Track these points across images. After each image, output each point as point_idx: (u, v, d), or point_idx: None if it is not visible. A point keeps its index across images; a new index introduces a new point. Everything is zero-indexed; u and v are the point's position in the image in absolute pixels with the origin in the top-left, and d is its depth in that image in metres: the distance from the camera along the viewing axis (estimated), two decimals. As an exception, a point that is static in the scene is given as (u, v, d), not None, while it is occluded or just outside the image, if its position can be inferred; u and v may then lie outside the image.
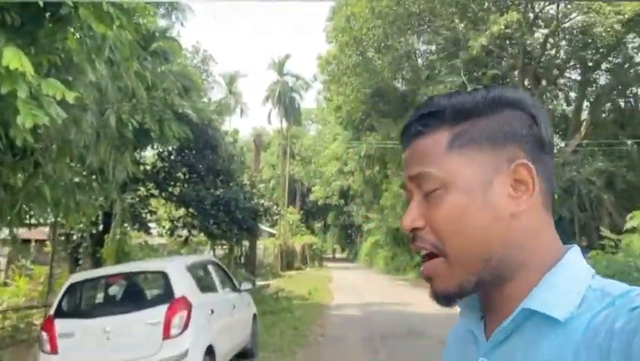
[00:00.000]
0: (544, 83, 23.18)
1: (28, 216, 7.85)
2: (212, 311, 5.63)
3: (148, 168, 14.44)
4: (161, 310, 4.99)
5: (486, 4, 21.03)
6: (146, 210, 14.92)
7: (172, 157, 14.99)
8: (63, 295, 5.18)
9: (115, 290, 5.67)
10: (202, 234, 15.91)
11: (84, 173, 10.02)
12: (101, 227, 12.69)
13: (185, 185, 15.00)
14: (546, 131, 0.74)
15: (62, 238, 14.22)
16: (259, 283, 21.57)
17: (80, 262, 12.84)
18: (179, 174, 15.34)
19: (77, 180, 6.84)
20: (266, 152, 41.59)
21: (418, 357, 7.66)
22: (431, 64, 24.41)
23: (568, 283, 0.68)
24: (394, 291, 19.12)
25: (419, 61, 25.47)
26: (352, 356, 7.75)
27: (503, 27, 17.60)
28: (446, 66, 22.27)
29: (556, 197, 11.99)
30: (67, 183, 6.81)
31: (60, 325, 4.96)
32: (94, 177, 8.59)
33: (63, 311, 5.09)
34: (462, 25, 20.59)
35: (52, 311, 5.11)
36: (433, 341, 8.45)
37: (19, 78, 3.54)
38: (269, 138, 46.21)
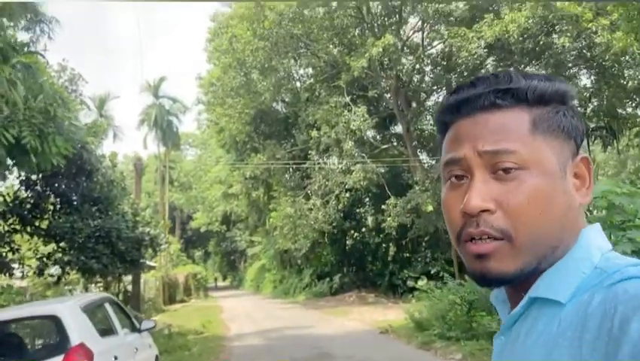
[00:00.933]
0: (414, 105, 24.73)
1: None
2: (115, 358, 4.76)
3: (9, 199, 12.51)
4: (55, 362, 4.07)
5: (362, 28, 21.99)
6: (7, 249, 12.87)
7: (39, 185, 13.19)
8: None
9: None
10: (75, 271, 14.12)
11: None
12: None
13: (55, 217, 13.25)
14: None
15: None
16: (146, 316, 19.84)
17: None
18: (48, 205, 13.53)
19: None
20: (142, 178, 39.11)
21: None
22: (309, 86, 24.83)
23: (573, 266, 0.70)
24: (290, 314, 18.69)
25: (297, 84, 25.82)
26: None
27: (381, 49, 18.39)
28: (325, 88, 22.78)
29: (432, 209, 12.45)
30: None
31: None
32: None
33: None
34: (338, 48, 21.29)
35: None
36: (350, 362, 8.18)
37: None
38: (144, 163, 43.56)
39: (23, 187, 13.17)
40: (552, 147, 0.71)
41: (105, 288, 19.98)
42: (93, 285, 20.14)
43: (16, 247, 13.29)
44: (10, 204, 12.27)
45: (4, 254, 12.38)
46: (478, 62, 19.72)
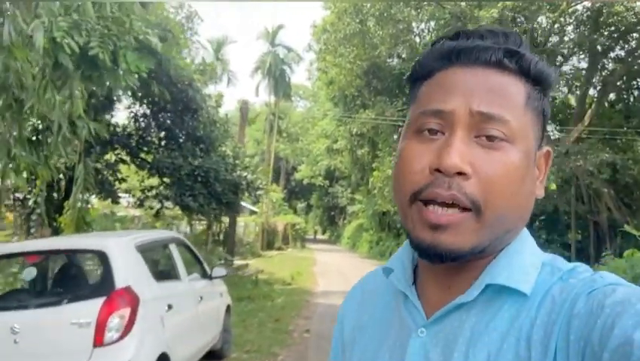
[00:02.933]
0: (548, 68, 21.96)
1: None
2: (169, 307, 4.21)
3: (119, 130, 12.83)
4: (94, 305, 3.56)
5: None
6: (114, 178, 13.34)
7: (146, 119, 13.38)
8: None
9: (31, 274, 4.16)
10: (176, 207, 14.38)
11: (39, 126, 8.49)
12: (57, 193, 11.14)
13: (160, 151, 13.42)
14: None
15: (18, 202, 12.69)
16: (237, 262, 20.22)
17: (33, 230, 11.25)
18: (154, 139, 13.75)
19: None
20: (251, 126, 39.92)
21: None
22: (429, 42, 22.95)
23: (528, 257, 0.68)
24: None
25: (417, 39, 24.08)
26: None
27: (519, 2, 16.21)
28: (447, 44, 20.81)
29: (554, 187, 10.79)
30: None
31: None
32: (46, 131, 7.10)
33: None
34: (467, 2, 19.22)
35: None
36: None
37: None
38: (255, 112, 44.46)
39: (132, 120, 13.46)
40: (532, 126, 0.68)
41: (207, 227, 20.58)
42: (197, 222, 20.70)
43: (122, 176, 13.76)
44: (119, 135, 12.55)
45: (111, 182, 12.79)
46: (635, 19, 16.69)
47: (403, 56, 24.98)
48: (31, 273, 4.08)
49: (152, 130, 13.45)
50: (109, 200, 13.76)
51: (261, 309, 9.86)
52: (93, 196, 12.65)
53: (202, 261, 5.75)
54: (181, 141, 13.44)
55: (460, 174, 0.63)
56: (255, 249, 27.39)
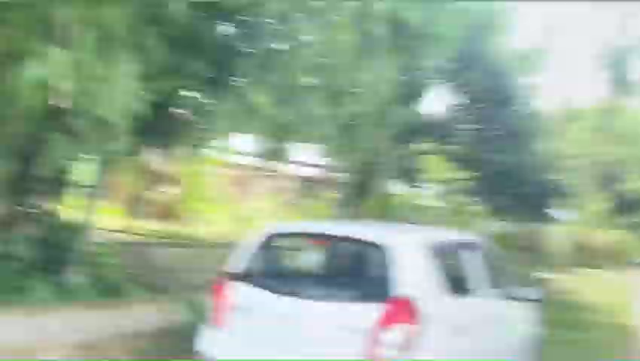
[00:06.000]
0: None
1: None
2: (459, 329, 3.38)
3: (428, 118, 12.56)
4: (367, 311, 3.01)
5: None
6: (420, 167, 13.19)
7: (459, 110, 12.76)
8: (255, 251, 3.68)
9: (309, 260, 3.89)
10: (479, 205, 13.43)
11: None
12: (364, 177, 11.55)
13: (470, 145, 12.63)
14: None
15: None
16: (540, 275, 17.91)
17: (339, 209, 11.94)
18: (464, 131, 13.04)
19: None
20: (576, 124, 35.23)
21: None
22: None
23: None
24: None
25: None
26: None
27: None
28: None
29: None
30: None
31: (238, 292, 3.51)
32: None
33: (244, 274, 3.60)
34: None
35: (229, 269, 3.67)
36: None
37: None
38: (581, 109, 39.05)
39: (446, 109, 13.05)
40: None
41: (517, 231, 18.87)
42: (499, 222, 19.10)
43: (428, 167, 13.51)
44: (426, 124, 12.27)
45: (414, 171, 12.62)
46: None
47: None
48: (309, 258, 3.84)
49: (463, 121, 12.78)
50: (411, 188, 13.76)
51: (580, 342, 8.12)
52: (398, 184, 12.81)
53: (514, 275, 4.66)
54: (494, 134, 12.37)
55: None
56: (564, 264, 24.08)
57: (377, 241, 3.31)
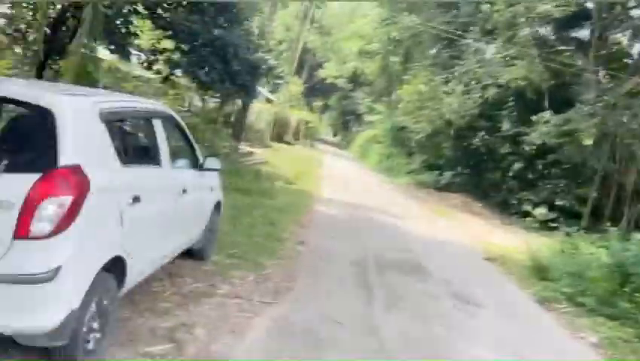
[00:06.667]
0: (618, 8, 19.52)
1: None
2: (136, 199, 3.24)
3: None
4: (23, 182, 2.57)
5: None
6: (126, 29, 11.94)
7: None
8: None
9: None
10: (183, 75, 13.14)
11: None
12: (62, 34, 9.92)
13: (178, 10, 11.92)
14: None
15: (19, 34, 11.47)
16: (243, 148, 19.35)
17: (16, 70, 10.08)
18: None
19: None
20: (284, 10, 37.24)
21: (429, 313, 5.55)
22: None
23: None
24: (388, 196, 17.13)
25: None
26: (337, 295, 5.57)
27: None
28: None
29: (591, 142, 9.41)
30: None
31: None
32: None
33: None
34: None
35: None
36: (443, 288, 6.42)
37: None
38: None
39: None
40: None
41: (220, 106, 19.44)
42: (207, 97, 19.30)
43: (135, 30, 12.36)
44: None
45: (122, 33, 11.33)
46: None
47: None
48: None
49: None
50: (118, 54, 12.53)
51: (257, 206, 9.07)
52: (102, 47, 11.43)
53: (194, 146, 4.72)
54: (204, 5, 11.90)
55: None
56: (264, 138, 26.47)
57: (40, 103, 2.77)
